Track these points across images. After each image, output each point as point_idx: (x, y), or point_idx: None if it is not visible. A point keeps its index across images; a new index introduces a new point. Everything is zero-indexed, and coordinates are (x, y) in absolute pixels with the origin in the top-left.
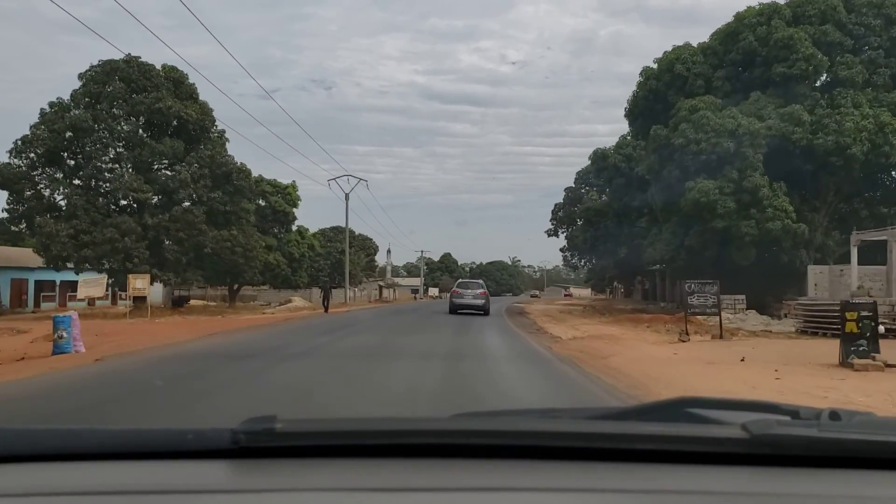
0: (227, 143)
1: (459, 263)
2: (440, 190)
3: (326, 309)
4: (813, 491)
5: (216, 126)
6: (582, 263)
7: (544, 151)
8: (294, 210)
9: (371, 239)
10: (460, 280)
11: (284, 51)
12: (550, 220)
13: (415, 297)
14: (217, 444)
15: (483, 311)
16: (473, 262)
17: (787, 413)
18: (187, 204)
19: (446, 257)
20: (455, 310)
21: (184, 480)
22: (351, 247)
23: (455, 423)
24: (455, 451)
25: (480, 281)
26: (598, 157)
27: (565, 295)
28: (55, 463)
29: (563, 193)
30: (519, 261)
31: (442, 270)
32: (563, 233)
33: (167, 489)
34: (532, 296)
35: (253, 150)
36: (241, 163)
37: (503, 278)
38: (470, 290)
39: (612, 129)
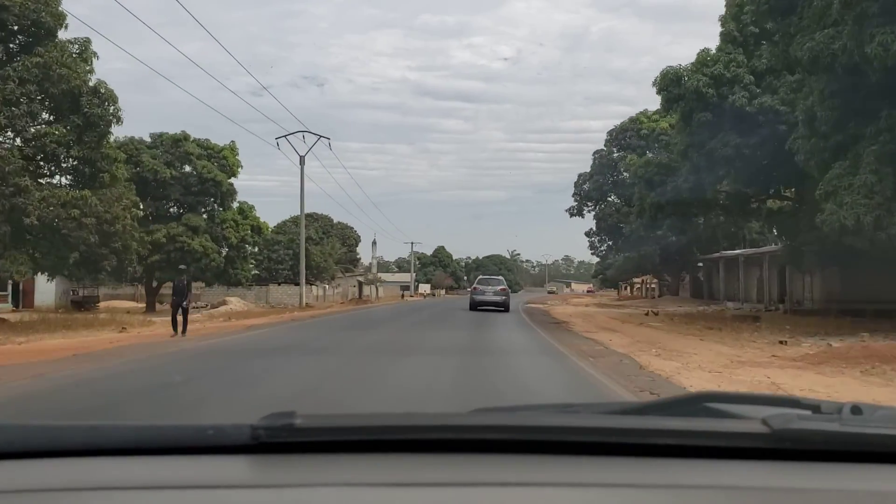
0: (93, 62)
1: (454, 258)
2: (433, 187)
3: (177, 326)
4: (834, 486)
5: (65, 25)
6: (613, 251)
7: (537, 148)
8: (232, 181)
9: (352, 228)
10: (481, 277)
11: (276, 48)
12: (573, 196)
13: (402, 296)
14: (237, 440)
15: (504, 307)
16: (469, 257)
17: (808, 407)
18: None
19: (440, 251)
20: (475, 306)
21: (203, 476)
22: (326, 235)
23: (473, 418)
24: (474, 446)
25: (500, 277)
26: (669, 80)
27: (588, 291)
28: (76, 458)
29: (591, 160)
30: (518, 254)
31: (435, 265)
32: (590, 211)
33: (187, 484)
34: (549, 292)
35: (244, 148)
36: (101, 81)
37: (502, 273)
38: (490, 287)
39: (605, 125)
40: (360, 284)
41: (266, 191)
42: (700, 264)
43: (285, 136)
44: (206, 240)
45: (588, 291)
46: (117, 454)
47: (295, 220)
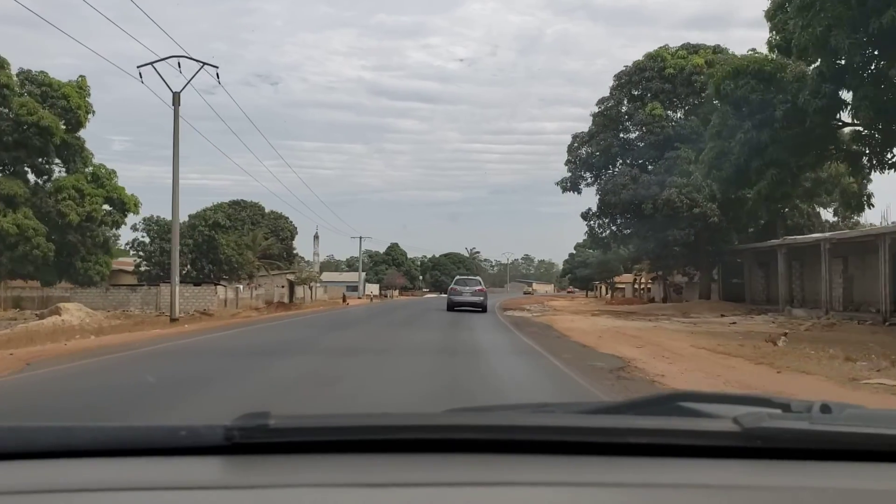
0: None
1: (409, 256)
2: (390, 187)
3: None
4: (804, 483)
5: None
6: (619, 238)
7: (492, 149)
8: (77, 136)
9: (286, 217)
10: (458, 277)
11: (229, 45)
12: (567, 163)
13: (344, 298)
14: (210, 441)
15: (481, 307)
16: (425, 256)
17: (779, 406)
18: None
19: (394, 249)
20: (453, 307)
21: (177, 477)
22: (254, 225)
23: (449, 417)
24: (449, 446)
25: (478, 278)
26: None
27: (568, 291)
28: (49, 460)
29: (595, 111)
30: (478, 252)
31: (388, 263)
32: (588, 184)
33: (160, 486)
34: (526, 293)
35: (196, 145)
36: None
37: (458, 272)
38: (468, 287)
39: (560, 126)
40: (291, 284)
41: (220, 191)
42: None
43: (152, 63)
44: (25, 216)
45: (569, 292)
46: (89, 455)
47: (218, 207)
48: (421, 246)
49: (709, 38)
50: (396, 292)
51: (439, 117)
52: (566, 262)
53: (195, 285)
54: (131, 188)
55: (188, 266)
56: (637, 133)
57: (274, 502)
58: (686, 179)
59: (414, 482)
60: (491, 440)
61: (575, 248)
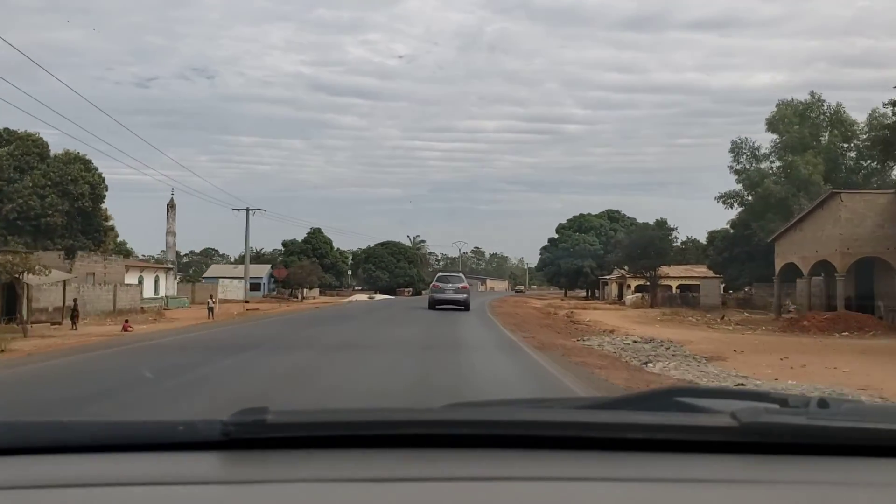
0: None
1: (335, 247)
2: (330, 183)
3: None
4: (801, 478)
5: None
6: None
7: (433, 146)
8: None
9: (88, 162)
10: (440, 274)
11: (164, 38)
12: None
13: (210, 302)
14: (208, 436)
15: (464, 305)
16: (359, 248)
17: (777, 401)
18: None
19: (315, 235)
20: (434, 304)
21: (174, 472)
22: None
23: (446, 413)
24: (447, 441)
25: (461, 275)
26: None
27: (516, 290)
28: (46, 455)
29: None
30: (423, 242)
31: (307, 254)
32: None
33: (158, 481)
34: (517, 291)
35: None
36: None
37: (399, 266)
38: (451, 285)
39: (499, 125)
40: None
41: (148, 186)
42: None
43: None
44: None
45: (516, 290)
46: (87, 451)
47: None
48: (354, 240)
49: (643, 41)
50: (316, 292)
51: (379, 114)
52: (545, 249)
53: None
54: None
55: None
56: None
57: (271, 497)
58: None
59: (412, 477)
60: (489, 435)
61: (558, 232)
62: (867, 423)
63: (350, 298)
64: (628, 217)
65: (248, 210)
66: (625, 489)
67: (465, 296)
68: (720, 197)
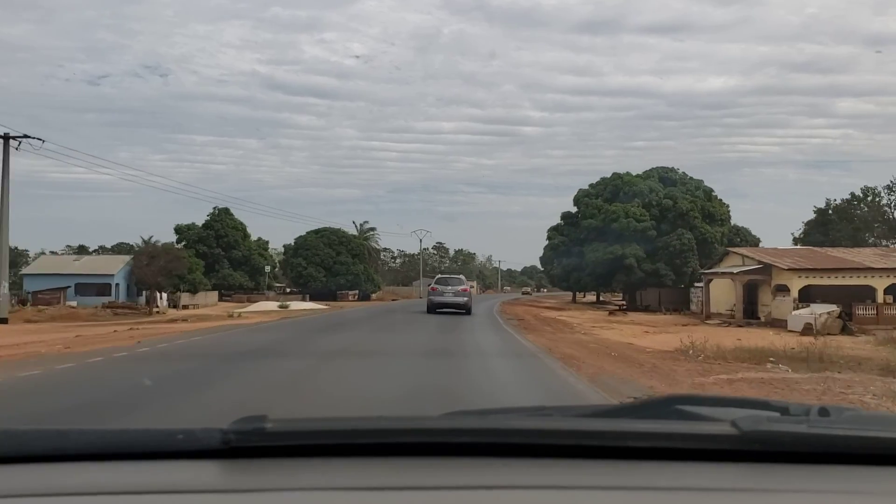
0: None
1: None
2: (286, 183)
3: None
4: (802, 486)
5: None
6: None
7: (391, 147)
8: None
9: None
10: (439, 276)
11: (116, 34)
12: None
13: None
14: (207, 445)
15: (465, 309)
16: (293, 241)
17: (778, 409)
18: None
19: (222, 217)
20: (434, 308)
21: (174, 480)
22: None
23: (446, 421)
24: (446, 449)
25: (461, 276)
26: None
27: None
28: (44, 464)
29: None
30: (373, 230)
31: (208, 244)
32: None
33: (157, 489)
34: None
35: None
36: None
37: (340, 262)
38: (450, 287)
39: (457, 126)
40: None
41: (105, 185)
42: None
43: None
44: None
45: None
46: (85, 459)
47: None
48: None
49: (598, 44)
50: (215, 297)
51: (337, 114)
52: (556, 231)
53: None
54: None
55: None
56: None
57: None
58: None
59: (411, 485)
60: (489, 443)
61: (577, 203)
62: (868, 432)
63: (241, 309)
64: (693, 178)
65: (6, 137)
66: (626, 498)
67: (465, 299)
68: None
